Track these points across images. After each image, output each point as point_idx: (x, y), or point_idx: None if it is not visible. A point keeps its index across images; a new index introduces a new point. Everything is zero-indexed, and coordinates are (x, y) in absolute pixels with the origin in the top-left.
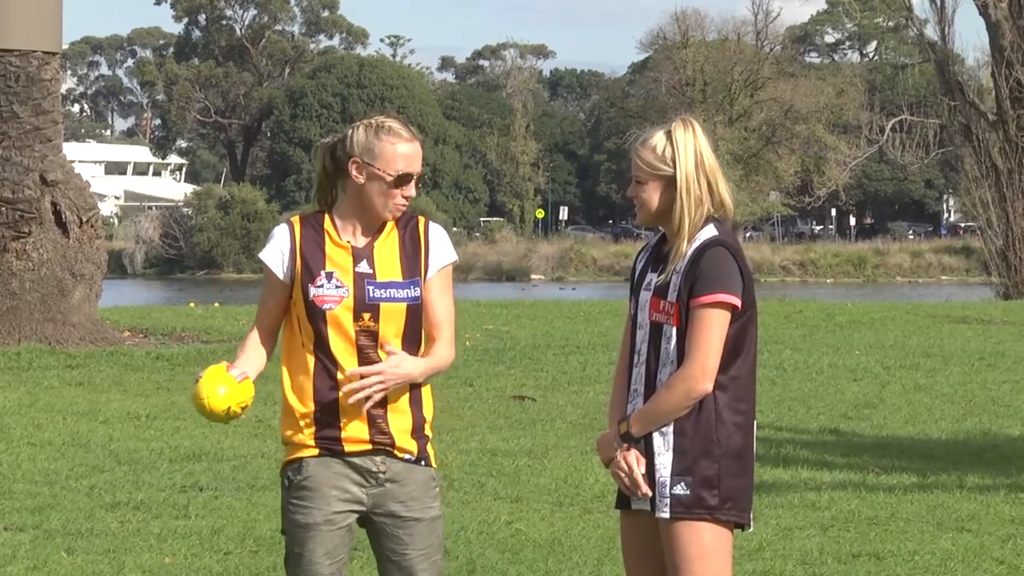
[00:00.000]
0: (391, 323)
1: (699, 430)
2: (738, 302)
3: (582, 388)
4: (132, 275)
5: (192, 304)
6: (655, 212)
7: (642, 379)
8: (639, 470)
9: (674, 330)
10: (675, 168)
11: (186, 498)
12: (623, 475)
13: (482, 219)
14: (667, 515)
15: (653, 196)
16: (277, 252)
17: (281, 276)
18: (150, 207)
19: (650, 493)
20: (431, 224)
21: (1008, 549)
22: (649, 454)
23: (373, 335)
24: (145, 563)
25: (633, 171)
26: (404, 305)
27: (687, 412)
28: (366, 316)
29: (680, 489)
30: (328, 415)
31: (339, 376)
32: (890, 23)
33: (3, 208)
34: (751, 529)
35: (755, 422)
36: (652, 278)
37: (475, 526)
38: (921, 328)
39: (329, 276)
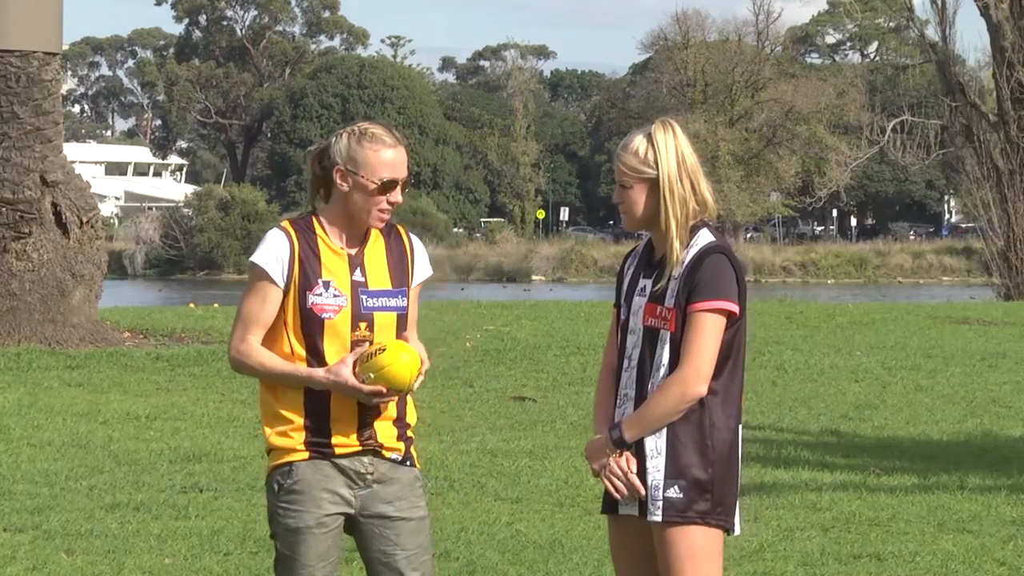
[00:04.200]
0: (385, 332)
1: (693, 434)
2: (736, 309)
3: (582, 389)
4: (132, 276)
5: (192, 305)
6: (641, 216)
7: (632, 384)
8: (633, 472)
9: (669, 335)
10: (657, 170)
11: (186, 499)
12: (617, 479)
13: (483, 220)
14: (659, 518)
15: (639, 200)
16: (275, 258)
17: (280, 283)
18: (150, 208)
19: (644, 493)
20: (411, 235)
21: (1009, 550)
22: (641, 457)
23: (369, 344)
24: (145, 564)
25: (617, 176)
26: (395, 315)
27: (680, 416)
28: (363, 326)
29: (673, 492)
30: (319, 421)
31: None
32: (891, 24)
33: (3, 208)
34: (737, 533)
35: (740, 426)
36: (646, 284)
37: (475, 527)
38: (922, 329)
39: (327, 284)
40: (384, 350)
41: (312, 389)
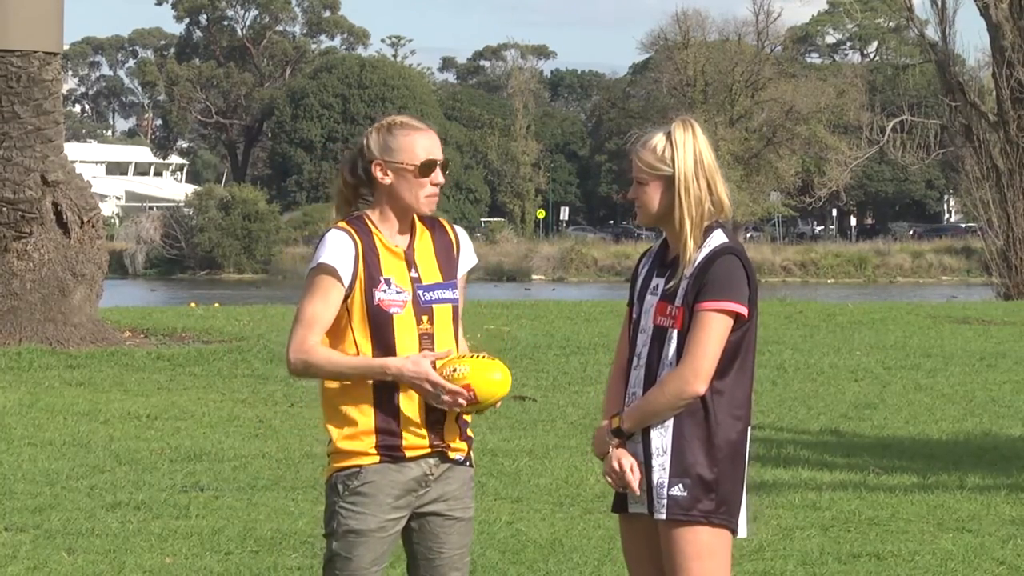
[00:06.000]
0: (444, 325)
1: (698, 433)
2: (745, 311)
3: (583, 388)
4: (133, 275)
5: (193, 304)
6: (656, 213)
7: (641, 382)
8: (630, 471)
9: (676, 332)
10: (674, 168)
11: (187, 498)
12: (614, 473)
13: (483, 219)
14: (664, 516)
15: (654, 197)
16: (342, 258)
17: (346, 283)
18: (151, 207)
19: (638, 492)
20: (456, 226)
21: (1008, 549)
22: (647, 455)
23: (431, 338)
24: (146, 563)
25: (634, 172)
26: (450, 306)
27: (689, 414)
28: (424, 319)
29: (677, 491)
30: (389, 423)
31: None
32: (891, 24)
33: (4, 208)
34: (742, 535)
35: (750, 428)
36: (659, 283)
37: (476, 526)
38: (922, 328)
39: (388, 282)
40: (484, 357)
41: (381, 388)
